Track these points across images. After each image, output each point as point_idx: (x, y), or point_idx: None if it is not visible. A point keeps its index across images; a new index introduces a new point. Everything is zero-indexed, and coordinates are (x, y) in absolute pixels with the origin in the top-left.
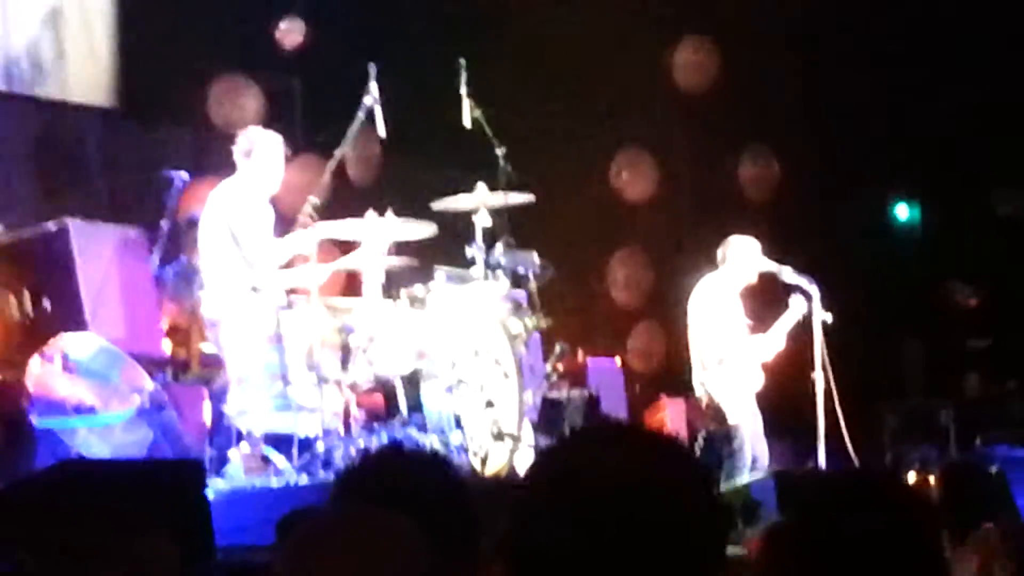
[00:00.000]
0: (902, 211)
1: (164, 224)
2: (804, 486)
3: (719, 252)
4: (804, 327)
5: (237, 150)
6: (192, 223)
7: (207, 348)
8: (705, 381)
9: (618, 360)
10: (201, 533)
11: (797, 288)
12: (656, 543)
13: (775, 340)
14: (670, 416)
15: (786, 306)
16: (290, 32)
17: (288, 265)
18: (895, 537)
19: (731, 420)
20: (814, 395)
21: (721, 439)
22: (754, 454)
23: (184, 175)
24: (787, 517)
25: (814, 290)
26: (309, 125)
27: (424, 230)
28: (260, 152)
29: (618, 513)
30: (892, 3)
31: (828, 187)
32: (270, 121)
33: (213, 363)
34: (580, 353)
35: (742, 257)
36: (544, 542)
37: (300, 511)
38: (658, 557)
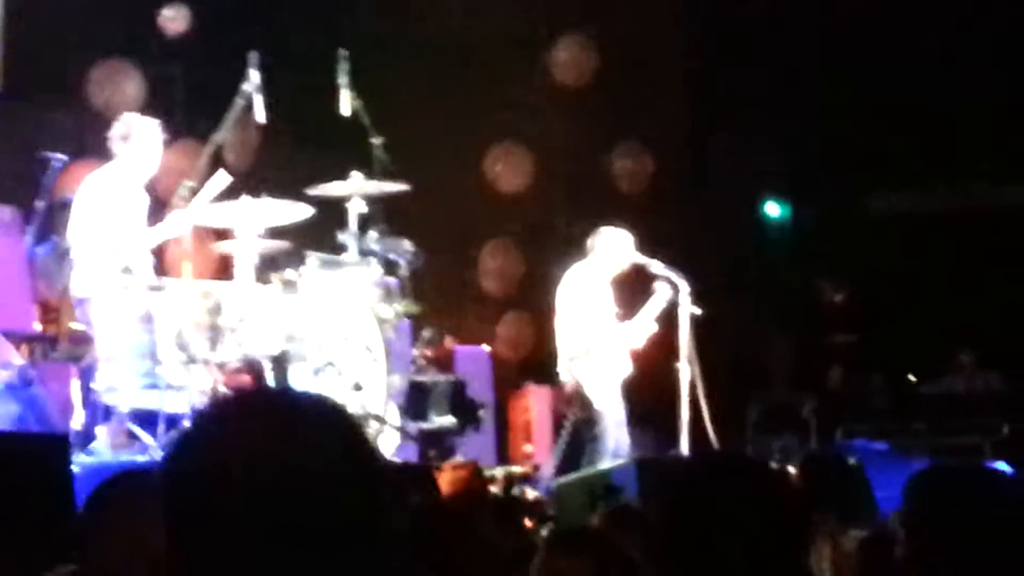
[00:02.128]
0: (773, 208)
1: (40, 204)
2: (667, 469)
3: (589, 242)
4: (672, 319)
5: (114, 135)
6: (67, 204)
7: (76, 326)
8: (572, 369)
9: (486, 347)
10: (63, 505)
11: (665, 278)
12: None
13: (643, 326)
14: (535, 403)
15: (652, 294)
16: (173, 19)
17: (160, 249)
18: (757, 511)
19: (596, 407)
20: (679, 387)
21: (584, 426)
22: (616, 442)
23: (62, 157)
24: (644, 496)
25: (683, 283)
26: (190, 111)
27: (299, 212)
28: (137, 138)
29: (257, 485)
30: (770, 5)
31: (700, 182)
32: (151, 106)
33: (82, 340)
34: (449, 340)
35: (612, 247)
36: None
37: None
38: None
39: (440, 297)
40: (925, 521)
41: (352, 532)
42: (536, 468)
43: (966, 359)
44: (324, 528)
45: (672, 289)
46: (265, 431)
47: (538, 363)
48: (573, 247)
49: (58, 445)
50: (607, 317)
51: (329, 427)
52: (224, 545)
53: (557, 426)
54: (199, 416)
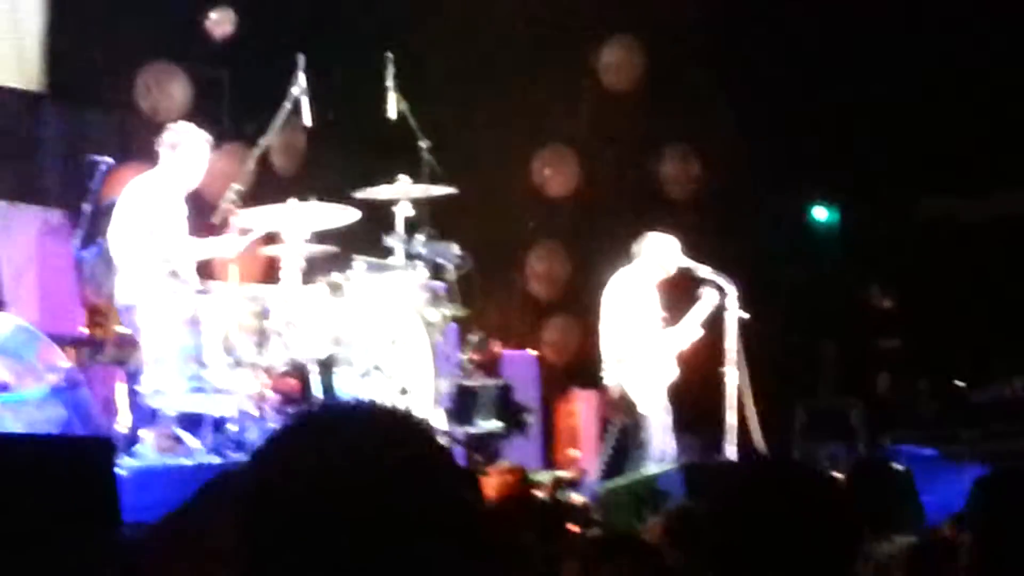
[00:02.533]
0: (820, 213)
1: (86, 208)
2: (714, 475)
3: (635, 247)
4: (719, 324)
5: (163, 142)
6: (112, 208)
7: (123, 329)
8: (617, 373)
9: (532, 352)
10: (107, 508)
11: (712, 283)
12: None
13: (688, 331)
14: (581, 408)
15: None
16: (220, 22)
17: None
18: (807, 519)
19: (641, 412)
20: (725, 391)
21: (630, 431)
22: (662, 447)
23: (109, 160)
24: (694, 501)
25: (731, 288)
26: (236, 115)
27: (346, 216)
28: (186, 147)
29: (349, 494)
30: (816, 4)
31: (747, 187)
32: (197, 110)
33: (129, 344)
34: (495, 344)
35: (658, 252)
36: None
37: (220, 477)
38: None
39: (486, 301)
40: (993, 526)
41: (437, 544)
42: (582, 473)
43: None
44: (405, 539)
45: (719, 294)
46: (350, 443)
47: (584, 367)
48: (619, 251)
49: (102, 447)
50: (653, 322)
51: (408, 440)
52: (308, 558)
53: (603, 431)
54: (280, 431)
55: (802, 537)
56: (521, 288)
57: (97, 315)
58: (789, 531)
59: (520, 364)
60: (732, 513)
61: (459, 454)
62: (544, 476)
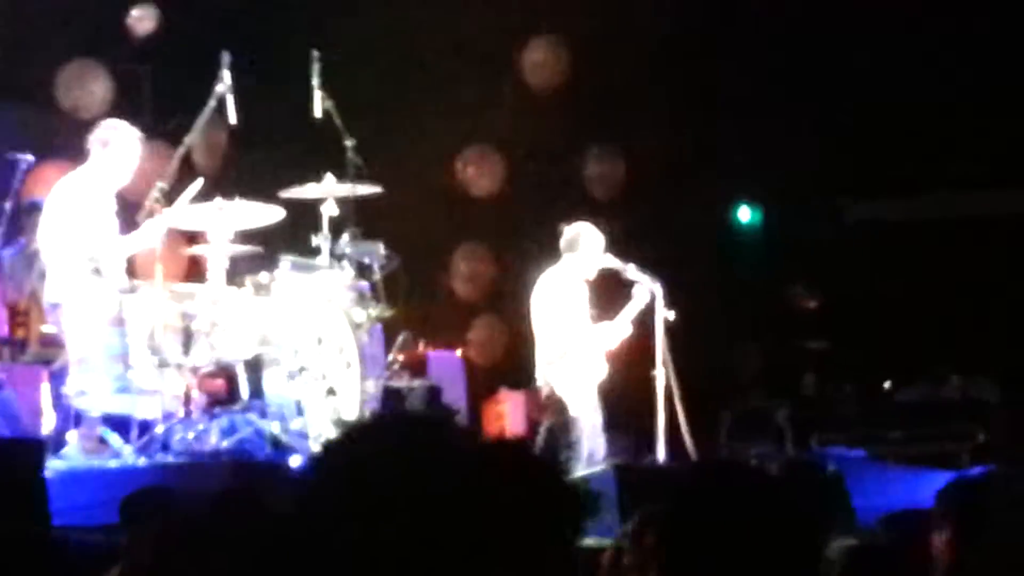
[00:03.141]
0: (744, 213)
1: (6, 206)
2: (647, 476)
3: (562, 241)
4: (646, 324)
5: (94, 139)
6: (34, 207)
7: (47, 329)
8: (547, 373)
9: (459, 352)
10: (38, 510)
11: (641, 281)
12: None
13: (620, 328)
14: (509, 408)
15: (629, 297)
16: (141, 19)
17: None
18: (770, 523)
19: (572, 413)
20: (655, 392)
21: (560, 432)
22: (591, 448)
23: (28, 158)
24: (666, 504)
25: (657, 288)
26: (158, 112)
27: (271, 215)
28: (117, 144)
29: (406, 502)
30: (745, 8)
31: (672, 187)
32: (118, 107)
33: (53, 344)
34: (421, 344)
35: (586, 244)
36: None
37: (143, 491)
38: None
39: (411, 301)
40: (966, 530)
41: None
42: None
43: (955, 382)
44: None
45: (648, 293)
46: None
47: (511, 368)
48: (545, 251)
49: (32, 450)
50: (583, 320)
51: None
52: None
53: (531, 432)
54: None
55: (766, 540)
56: (446, 288)
57: (18, 315)
58: (750, 533)
59: (446, 365)
60: (688, 519)
61: None
62: None
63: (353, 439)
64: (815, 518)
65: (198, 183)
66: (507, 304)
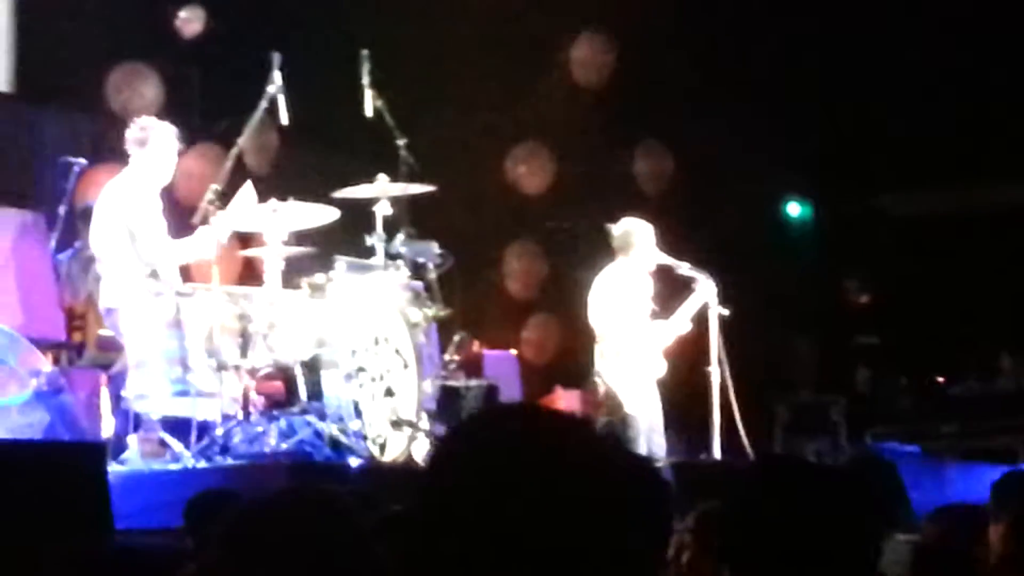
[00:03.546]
0: (794, 209)
1: (61, 210)
2: (704, 473)
3: (616, 233)
4: (700, 321)
5: (130, 139)
6: (88, 211)
7: (105, 333)
8: (604, 371)
9: (513, 351)
10: (100, 515)
11: (698, 278)
12: (567, 519)
13: (678, 325)
14: (565, 407)
15: (682, 294)
16: (189, 20)
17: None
18: (833, 517)
19: (629, 410)
20: (709, 389)
21: (618, 429)
22: (650, 446)
23: (82, 161)
24: (729, 500)
25: (711, 284)
26: (207, 113)
27: (325, 216)
28: (154, 142)
29: (527, 490)
30: (790, 4)
31: (722, 182)
32: (168, 109)
33: (111, 347)
34: (477, 344)
35: (642, 241)
36: (453, 525)
37: (207, 494)
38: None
39: (466, 300)
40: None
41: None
42: None
43: (1007, 362)
44: (581, 548)
45: (707, 289)
46: (533, 441)
47: (566, 366)
48: (596, 248)
49: (94, 453)
50: (641, 317)
51: (583, 435)
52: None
53: None
54: (457, 433)
55: (829, 535)
56: (499, 286)
57: (75, 318)
58: (815, 529)
59: (502, 364)
60: (757, 513)
61: None
62: None
63: (469, 430)
64: (879, 514)
65: (248, 187)
66: (561, 302)
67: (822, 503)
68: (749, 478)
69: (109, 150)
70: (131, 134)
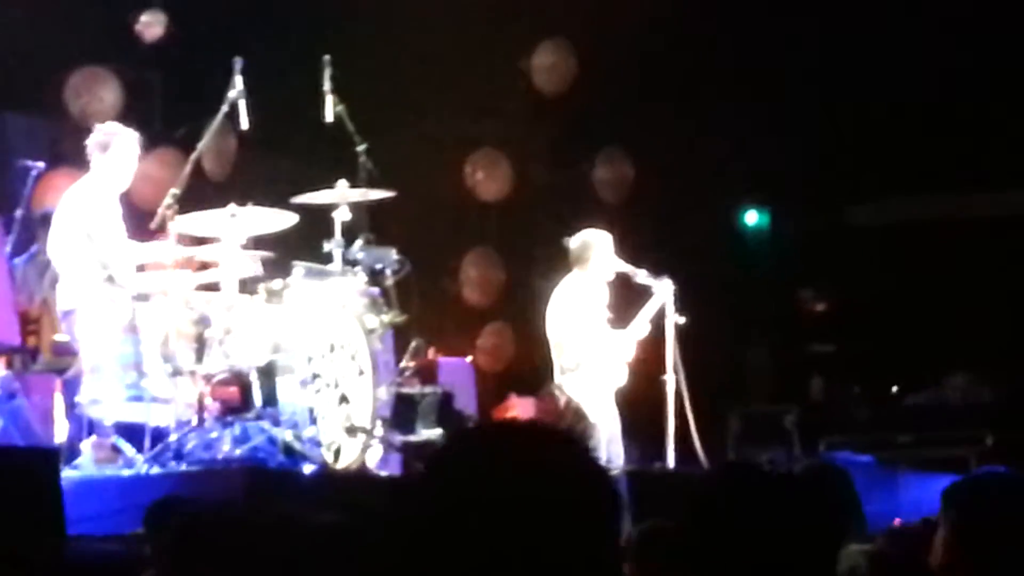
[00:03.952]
0: (751, 217)
1: (18, 213)
2: (658, 481)
3: (573, 245)
4: (656, 329)
5: (92, 144)
6: (47, 217)
7: (60, 337)
8: (565, 381)
9: (468, 359)
10: (53, 520)
11: (656, 283)
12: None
13: (637, 330)
14: (519, 415)
15: (639, 303)
16: (151, 25)
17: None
18: (793, 523)
19: (590, 420)
20: (664, 397)
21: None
22: (609, 455)
23: (39, 165)
24: (688, 508)
25: (669, 284)
26: (167, 118)
27: (284, 221)
28: (116, 147)
29: (519, 505)
30: (749, 12)
31: (679, 191)
32: (128, 114)
33: (65, 352)
34: (432, 351)
35: (600, 251)
36: (452, 540)
37: (167, 500)
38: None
39: (422, 307)
40: (978, 530)
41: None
42: None
43: (957, 380)
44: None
45: (664, 293)
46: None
47: (520, 374)
48: (554, 257)
49: (47, 459)
50: (601, 327)
51: (568, 447)
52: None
53: None
54: (447, 450)
55: (789, 543)
56: (456, 294)
57: (29, 323)
58: (776, 537)
59: (457, 371)
60: (718, 520)
61: (397, 461)
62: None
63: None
64: (837, 523)
65: (249, 264)
66: (516, 310)
67: (782, 511)
68: (708, 486)
69: (67, 154)
70: (94, 139)
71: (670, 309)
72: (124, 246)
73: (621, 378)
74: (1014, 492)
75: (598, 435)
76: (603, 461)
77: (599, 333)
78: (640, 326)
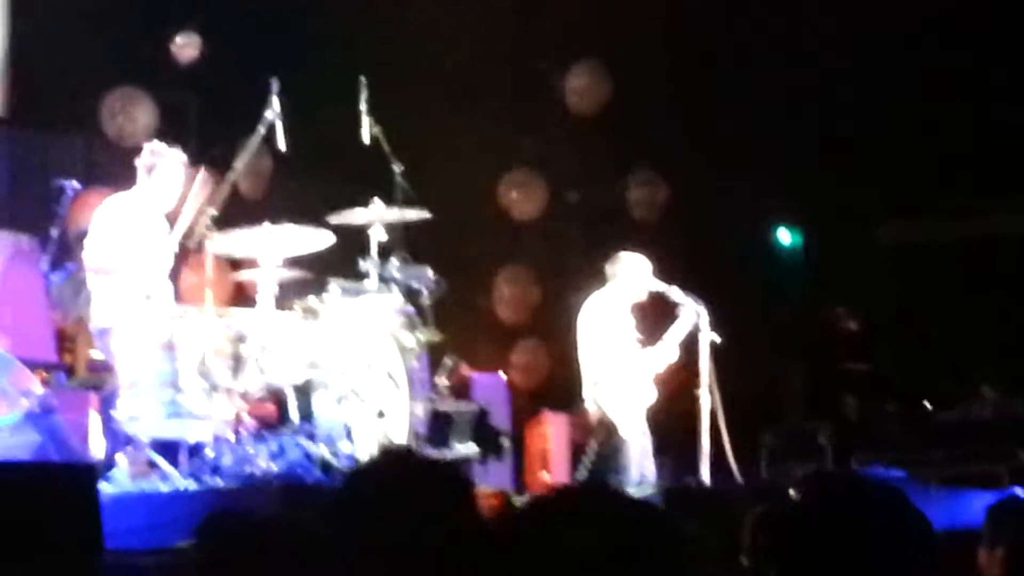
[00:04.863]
0: (784, 236)
1: (54, 232)
2: (696, 498)
3: (608, 268)
4: (690, 347)
5: (140, 163)
6: (82, 235)
7: (95, 354)
8: (596, 397)
9: (502, 375)
10: (92, 535)
11: (687, 304)
12: None
13: (667, 352)
14: (552, 431)
15: (674, 321)
16: (186, 46)
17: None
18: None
19: (621, 436)
20: (698, 414)
21: (609, 455)
22: (642, 471)
23: (75, 184)
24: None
25: (702, 310)
26: (203, 139)
27: (320, 240)
28: (162, 167)
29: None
30: (780, 34)
31: (713, 210)
32: (163, 134)
33: (101, 369)
34: (465, 368)
35: (632, 273)
36: None
37: (219, 513)
38: None
39: (455, 324)
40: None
41: None
42: None
43: (988, 393)
44: None
45: (695, 315)
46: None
47: (554, 390)
48: (587, 274)
49: (86, 474)
50: (629, 344)
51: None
52: None
53: (574, 454)
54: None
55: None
56: (489, 311)
57: (65, 340)
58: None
59: (491, 387)
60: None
61: None
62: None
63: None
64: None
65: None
66: (549, 327)
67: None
68: (809, 494)
69: (103, 174)
70: (142, 158)
71: (704, 327)
72: (162, 263)
73: (651, 395)
74: None
75: (629, 451)
76: (634, 476)
77: (628, 349)
78: (669, 348)
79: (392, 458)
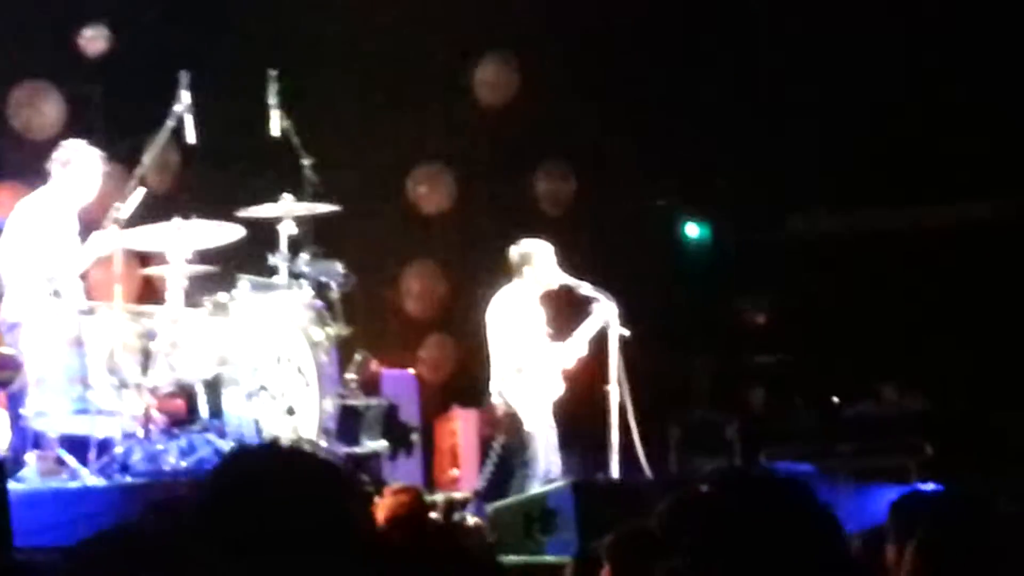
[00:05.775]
0: (692, 230)
1: None
2: (604, 492)
3: (511, 254)
4: (600, 341)
5: (55, 160)
6: None
7: (4, 350)
8: (503, 390)
9: (411, 370)
10: (0, 532)
11: (598, 299)
12: None
13: (577, 346)
14: (462, 426)
15: (585, 315)
16: (94, 39)
17: (89, 273)
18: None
19: (527, 429)
20: (607, 408)
21: (515, 449)
22: (547, 465)
23: None
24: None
25: (612, 305)
26: (109, 133)
27: (229, 234)
28: (78, 164)
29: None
30: (690, 25)
31: (622, 204)
32: (70, 128)
33: (10, 365)
34: (375, 363)
35: (537, 261)
36: None
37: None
38: None
39: (364, 319)
40: (931, 546)
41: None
42: (476, 494)
43: (889, 393)
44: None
45: (606, 310)
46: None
47: (463, 386)
48: (496, 269)
49: None
50: (539, 337)
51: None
52: None
53: (483, 449)
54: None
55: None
56: (398, 306)
57: None
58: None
59: (400, 383)
60: (719, 530)
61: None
62: (439, 497)
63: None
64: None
65: (140, 192)
66: (459, 322)
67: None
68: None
69: (9, 168)
70: (57, 154)
71: (614, 322)
72: (73, 259)
73: (558, 389)
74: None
75: (535, 444)
76: (540, 470)
77: (537, 342)
78: (579, 344)
79: (252, 454)
